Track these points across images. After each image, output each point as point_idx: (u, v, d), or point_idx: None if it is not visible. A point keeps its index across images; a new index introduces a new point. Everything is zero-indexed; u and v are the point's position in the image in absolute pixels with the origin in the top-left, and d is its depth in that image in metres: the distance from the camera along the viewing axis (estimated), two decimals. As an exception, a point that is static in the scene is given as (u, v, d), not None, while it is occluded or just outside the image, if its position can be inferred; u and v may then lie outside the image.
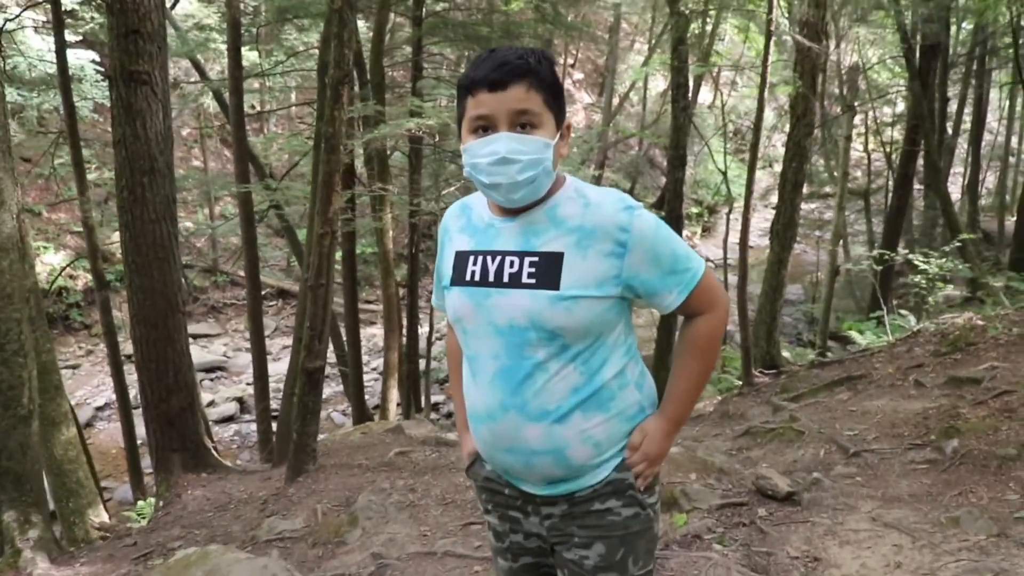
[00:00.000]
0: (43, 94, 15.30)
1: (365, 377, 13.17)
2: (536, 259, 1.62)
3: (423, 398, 11.89)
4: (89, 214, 10.33)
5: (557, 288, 1.59)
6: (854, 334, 10.43)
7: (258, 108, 21.07)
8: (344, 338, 11.31)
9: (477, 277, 1.68)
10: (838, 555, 3.09)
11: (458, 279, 1.72)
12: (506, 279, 1.64)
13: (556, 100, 1.63)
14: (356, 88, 9.06)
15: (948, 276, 9.43)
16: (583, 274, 1.59)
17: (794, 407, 6.29)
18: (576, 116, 27.89)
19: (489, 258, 1.68)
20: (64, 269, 17.22)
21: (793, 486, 3.73)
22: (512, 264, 1.64)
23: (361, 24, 11.99)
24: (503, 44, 10.63)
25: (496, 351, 1.67)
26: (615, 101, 25.03)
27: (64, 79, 9.68)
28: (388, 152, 9.65)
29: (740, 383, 8.81)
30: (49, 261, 19.95)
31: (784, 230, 10.47)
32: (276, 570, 2.91)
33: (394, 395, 10.41)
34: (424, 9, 9.91)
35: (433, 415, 13.79)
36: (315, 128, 7.92)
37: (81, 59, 14.90)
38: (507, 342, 1.65)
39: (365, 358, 14.98)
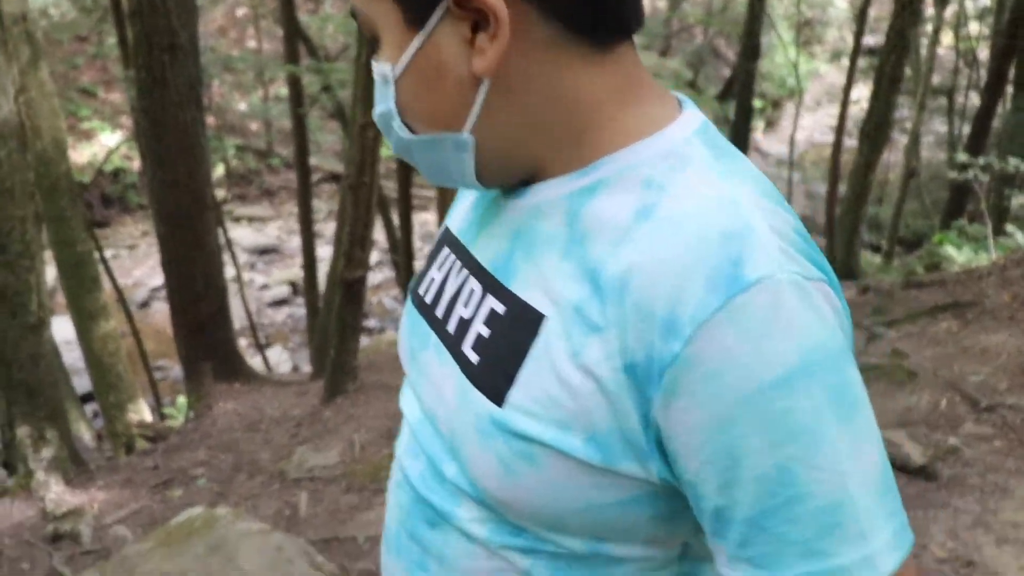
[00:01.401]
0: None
1: (417, 265, 12.88)
2: (503, 309, 0.69)
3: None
4: (135, 96, 9.77)
5: (501, 400, 0.66)
6: (949, 249, 9.48)
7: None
8: (396, 224, 10.86)
9: (430, 295, 0.81)
10: (997, 559, 2.45)
11: (415, 283, 0.88)
12: (452, 325, 0.75)
13: None
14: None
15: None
16: (559, 393, 0.63)
17: (893, 335, 5.57)
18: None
19: (457, 266, 0.79)
20: (113, 151, 16.86)
21: (926, 455, 3.06)
22: (470, 295, 0.74)
23: None
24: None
25: (409, 451, 0.82)
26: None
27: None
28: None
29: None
30: (106, 142, 19.77)
31: (875, 131, 9.56)
32: (292, 552, 2.37)
33: (445, 292, 9.88)
34: None
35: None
36: None
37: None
38: (423, 450, 0.78)
39: (418, 244, 14.71)
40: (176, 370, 12.65)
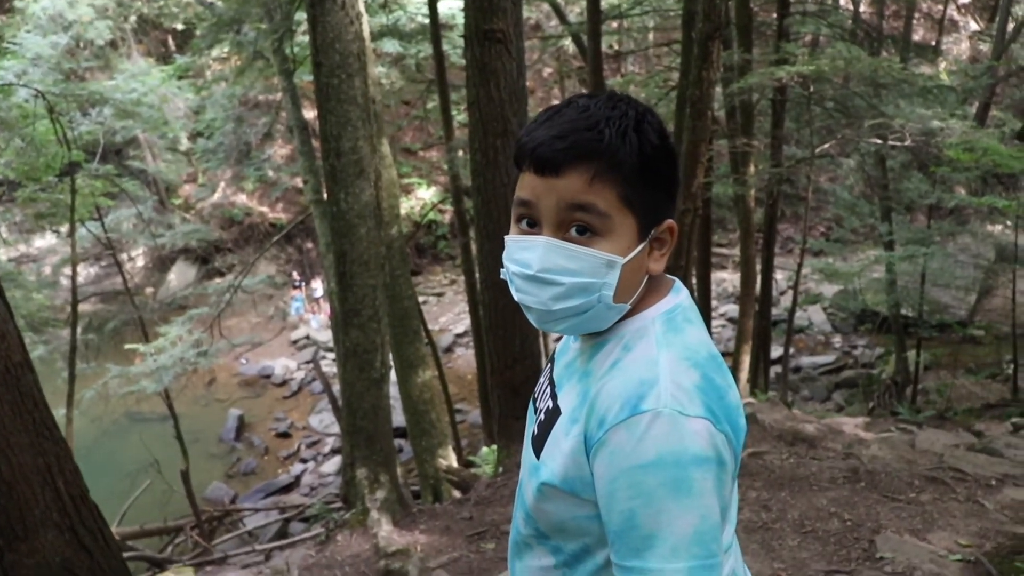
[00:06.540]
0: (419, 44, 16.28)
1: (713, 324, 12.87)
2: (551, 405, 1.22)
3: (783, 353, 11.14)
4: (453, 161, 10.75)
5: (537, 457, 1.19)
6: None
7: (616, 47, 20.85)
8: (694, 284, 10.95)
9: (537, 391, 1.35)
10: None
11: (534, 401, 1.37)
12: (537, 412, 1.29)
13: (645, 195, 1.09)
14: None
15: None
16: (557, 454, 1.13)
17: None
18: (960, 46, 24.26)
19: (548, 384, 1.30)
20: (434, 207, 18.49)
21: None
22: (545, 396, 1.27)
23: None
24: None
25: (518, 502, 1.33)
26: (1009, 26, 20.92)
27: (435, 29, 10.02)
28: (755, 102, 8.74)
29: None
30: (422, 196, 21.75)
31: None
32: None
33: (746, 363, 9.75)
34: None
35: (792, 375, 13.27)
36: (678, 87, 7.24)
37: (452, 9, 15.62)
38: (521, 495, 1.29)
39: (713, 303, 14.65)
40: (474, 414, 13.47)
